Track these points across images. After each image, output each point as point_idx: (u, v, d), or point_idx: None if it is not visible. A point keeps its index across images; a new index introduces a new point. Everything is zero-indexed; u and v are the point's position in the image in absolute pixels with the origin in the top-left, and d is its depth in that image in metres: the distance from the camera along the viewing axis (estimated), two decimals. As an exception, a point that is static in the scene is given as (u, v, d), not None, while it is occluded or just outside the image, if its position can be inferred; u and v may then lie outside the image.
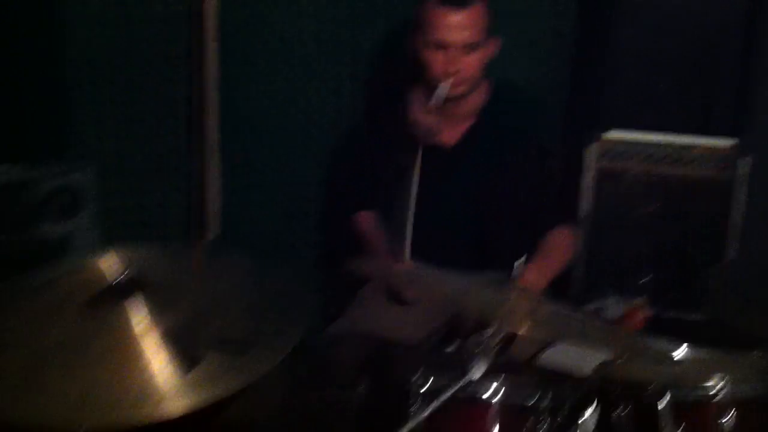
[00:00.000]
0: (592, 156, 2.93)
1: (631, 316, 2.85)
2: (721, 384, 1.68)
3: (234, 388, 1.29)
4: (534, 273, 2.36)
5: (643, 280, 2.89)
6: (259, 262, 1.65)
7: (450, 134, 2.59)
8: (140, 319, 1.39)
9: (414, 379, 1.63)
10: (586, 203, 2.91)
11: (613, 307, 2.97)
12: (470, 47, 2.44)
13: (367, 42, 3.13)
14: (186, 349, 1.33)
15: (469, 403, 1.63)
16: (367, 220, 2.69)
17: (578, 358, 1.93)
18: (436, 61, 2.44)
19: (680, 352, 1.86)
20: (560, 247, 2.57)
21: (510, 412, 1.64)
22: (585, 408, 1.66)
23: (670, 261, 2.92)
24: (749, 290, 2.21)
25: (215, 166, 3.03)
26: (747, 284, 2.25)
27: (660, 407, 1.64)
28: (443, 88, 2.44)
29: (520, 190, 2.59)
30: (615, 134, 2.93)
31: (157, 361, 1.32)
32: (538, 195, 2.58)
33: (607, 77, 2.97)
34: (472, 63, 2.46)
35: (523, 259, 1.76)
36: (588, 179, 2.92)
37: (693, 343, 2.42)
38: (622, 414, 1.70)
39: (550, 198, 2.60)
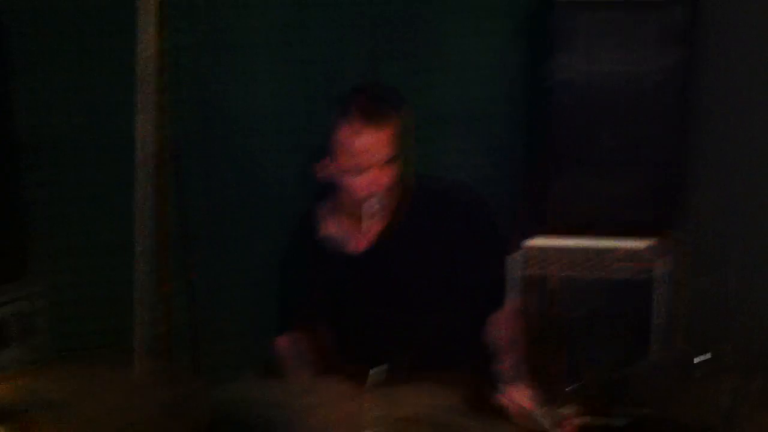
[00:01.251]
0: (515, 263, 2.95)
1: (565, 426, 2.82)
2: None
3: None
4: (510, 360, 2.33)
5: (571, 387, 2.85)
6: (155, 375, 1.75)
7: (360, 241, 2.62)
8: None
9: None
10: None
11: (544, 417, 2.94)
12: (388, 162, 2.46)
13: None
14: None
15: None
16: (283, 344, 2.68)
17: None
18: (358, 183, 2.45)
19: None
20: (513, 325, 2.52)
21: None
22: None
23: (596, 366, 2.88)
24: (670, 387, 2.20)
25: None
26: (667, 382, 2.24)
27: None
28: (372, 207, 2.46)
29: (445, 282, 2.58)
30: (537, 241, 2.95)
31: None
32: (466, 282, 2.56)
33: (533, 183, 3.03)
34: (390, 175, 2.48)
35: (380, 368, 1.78)
36: (512, 286, 2.93)
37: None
38: None
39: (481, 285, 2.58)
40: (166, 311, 3.06)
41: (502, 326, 2.51)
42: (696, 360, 2.16)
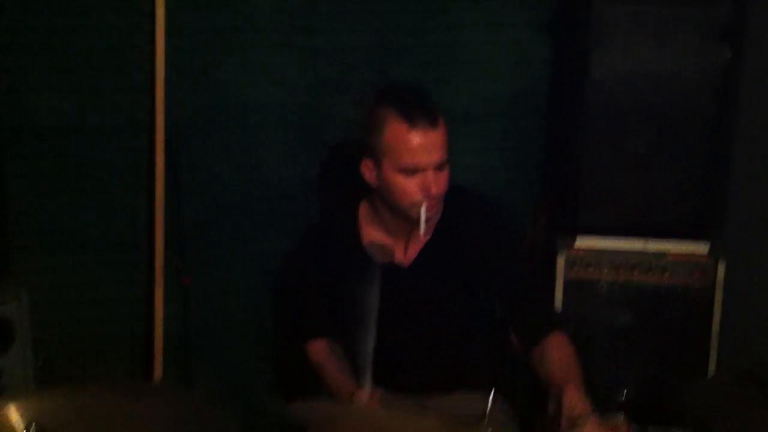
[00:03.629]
0: (561, 265, 2.79)
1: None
2: None
3: None
4: (575, 391, 2.08)
5: (621, 397, 2.71)
6: (189, 405, 1.45)
7: (405, 252, 2.46)
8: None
9: None
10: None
11: (591, 428, 2.78)
12: (441, 166, 2.31)
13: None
14: None
15: None
16: (318, 349, 2.48)
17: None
18: (412, 185, 2.29)
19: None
20: (568, 353, 2.29)
21: None
22: None
23: (647, 375, 2.75)
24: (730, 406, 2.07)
25: (160, 295, 2.88)
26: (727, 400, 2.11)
27: None
28: (424, 212, 2.29)
29: (487, 302, 2.44)
30: (585, 241, 2.79)
31: None
32: (512, 303, 2.40)
33: (576, 183, 2.85)
34: (443, 181, 2.33)
35: (492, 394, 1.55)
36: (558, 289, 2.77)
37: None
38: None
39: (529, 303, 2.41)
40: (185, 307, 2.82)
41: (553, 353, 2.30)
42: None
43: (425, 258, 2.44)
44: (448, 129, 2.95)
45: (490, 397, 1.55)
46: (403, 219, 2.38)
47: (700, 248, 2.75)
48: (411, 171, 2.28)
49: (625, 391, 2.69)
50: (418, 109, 2.30)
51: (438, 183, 2.29)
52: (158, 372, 2.87)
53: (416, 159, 2.27)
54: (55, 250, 2.88)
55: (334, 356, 2.44)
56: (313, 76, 2.98)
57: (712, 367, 2.75)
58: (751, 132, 2.85)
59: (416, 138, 2.27)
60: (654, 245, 2.76)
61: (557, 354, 2.26)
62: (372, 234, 2.47)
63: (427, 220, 2.32)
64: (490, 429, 1.52)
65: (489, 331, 2.50)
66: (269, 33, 2.94)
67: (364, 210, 2.49)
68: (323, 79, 2.98)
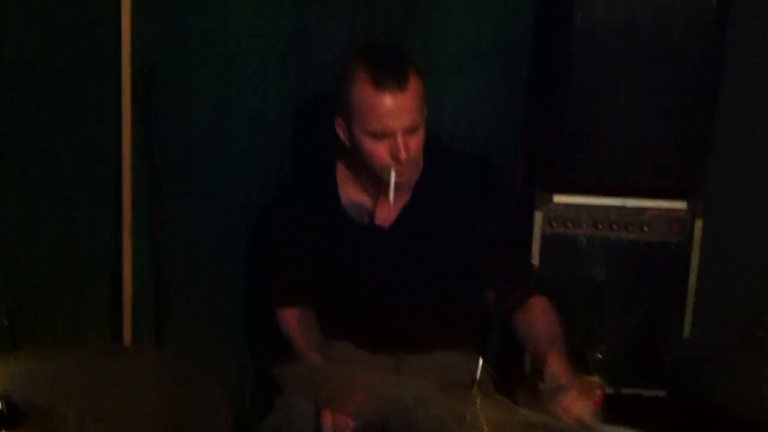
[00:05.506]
0: (538, 221, 2.74)
1: (587, 395, 2.65)
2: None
3: None
4: (558, 362, 2.09)
5: (597, 355, 2.68)
6: (168, 367, 1.41)
7: (385, 213, 2.37)
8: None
9: None
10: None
11: (572, 398, 2.76)
12: (412, 129, 2.21)
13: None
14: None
15: None
16: (289, 320, 2.42)
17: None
18: (381, 149, 2.20)
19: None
20: (551, 319, 2.28)
21: None
22: None
23: (624, 333, 2.72)
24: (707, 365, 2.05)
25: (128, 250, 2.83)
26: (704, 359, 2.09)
27: None
28: (393, 177, 2.20)
29: (470, 265, 2.38)
30: (562, 198, 2.74)
31: None
32: (494, 265, 2.37)
33: (557, 137, 2.77)
34: (416, 143, 2.23)
35: (480, 363, 1.51)
36: (535, 246, 2.73)
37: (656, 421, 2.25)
38: None
39: (510, 265, 2.40)
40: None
41: (537, 319, 2.29)
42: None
43: (407, 219, 2.36)
44: (431, 79, 2.91)
45: (479, 365, 1.49)
46: (378, 180, 2.29)
47: (679, 205, 2.70)
48: (379, 135, 2.19)
49: (602, 348, 2.66)
50: (388, 70, 2.18)
51: (409, 147, 2.19)
52: (128, 332, 2.83)
53: (383, 123, 2.17)
54: (18, 203, 2.83)
55: (304, 329, 2.38)
56: (294, 22, 2.88)
57: (688, 323, 2.72)
58: (736, 89, 2.77)
59: (383, 101, 2.16)
60: (633, 202, 2.71)
61: (541, 320, 2.25)
62: (351, 193, 2.39)
63: (398, 186, 2.23)
64: (479, 397, 1.47)
65: (469, 294, 2.45)
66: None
67: (342, 167, 2.41)
68: (304, 26, 2.88)
